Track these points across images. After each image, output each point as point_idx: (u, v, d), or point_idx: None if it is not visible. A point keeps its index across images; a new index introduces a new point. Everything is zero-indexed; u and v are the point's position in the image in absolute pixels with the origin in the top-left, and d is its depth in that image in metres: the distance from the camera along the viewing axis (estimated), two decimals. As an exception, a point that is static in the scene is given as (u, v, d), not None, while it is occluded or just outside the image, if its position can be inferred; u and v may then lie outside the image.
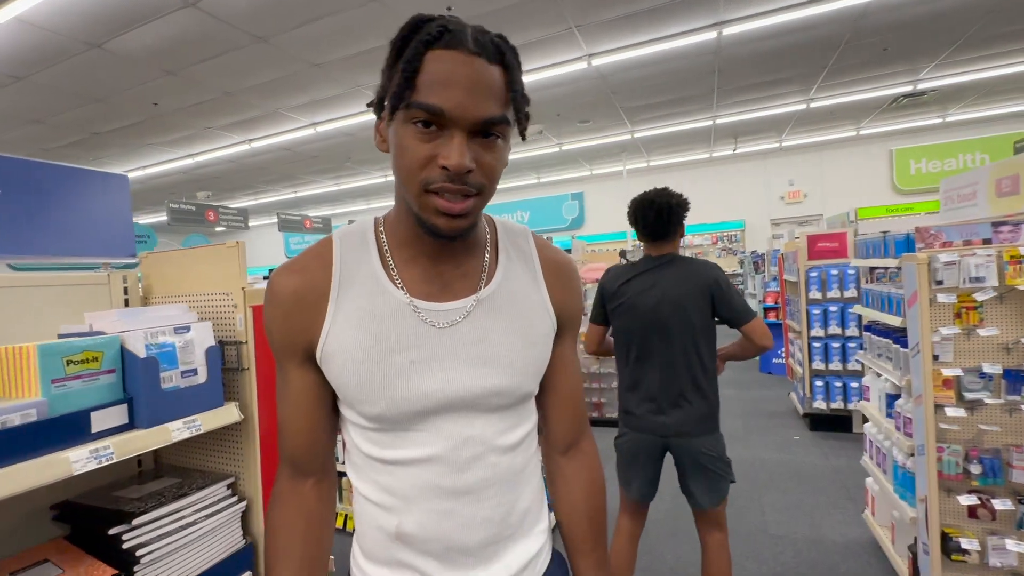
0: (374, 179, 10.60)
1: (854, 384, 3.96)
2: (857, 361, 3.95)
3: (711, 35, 4.88)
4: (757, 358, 6.71)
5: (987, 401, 1.75)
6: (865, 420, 3.95)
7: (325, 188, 11.16)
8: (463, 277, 0.67)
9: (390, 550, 0.66)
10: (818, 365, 4.08)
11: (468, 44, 0.56)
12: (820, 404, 4.09)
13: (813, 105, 7.49)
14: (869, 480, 2.59)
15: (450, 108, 0.55)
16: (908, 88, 7.00)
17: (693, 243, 11.20)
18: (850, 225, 4.49)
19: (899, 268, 2.60)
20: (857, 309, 2.55)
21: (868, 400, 2.53)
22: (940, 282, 1.79)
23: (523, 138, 0.64)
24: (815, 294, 4.05)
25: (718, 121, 8.03)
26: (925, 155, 9.81)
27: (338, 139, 7.56)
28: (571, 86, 6.09)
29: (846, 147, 10.20)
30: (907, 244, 1.96)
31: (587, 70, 5.57)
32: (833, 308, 3.98)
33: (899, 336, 2.09)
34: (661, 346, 1.78)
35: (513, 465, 0.68)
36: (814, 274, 4.04)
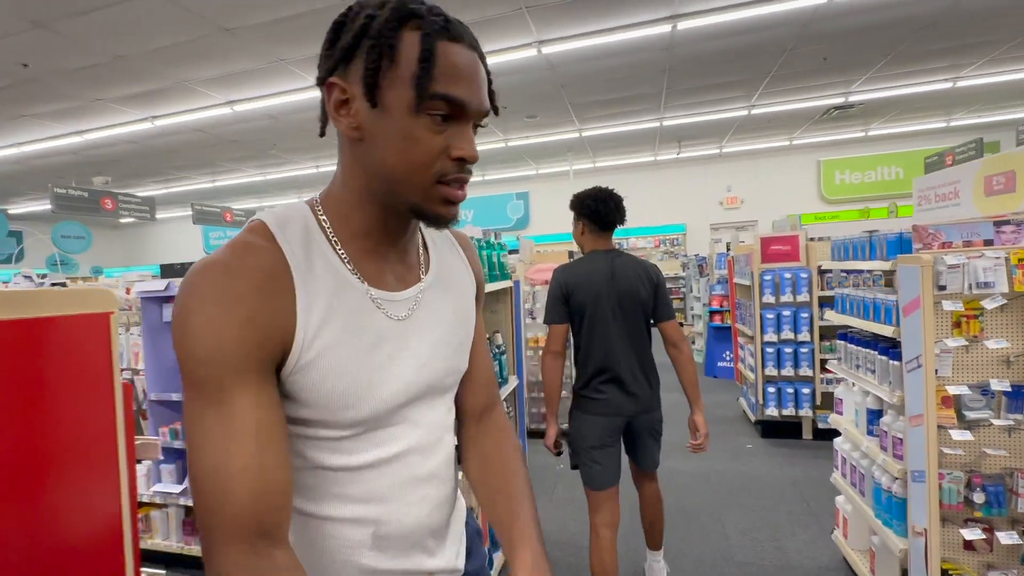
0: (304, 169, 9.76)
1: (805, 390, 3.89)
2: (809, 367, 3.87)
3: (665, 28, 4.71)
4: (702, 361, 6.69)
5: (994, 422, 1.55)
6: (815, 428, 3.89)
7: (249, 178, 10.17)
8: (410, 267, 0.67)
9: (363, 563, 0.62)
10: (771, 371, 3.98)
11: (466, 38, 0.56)
12: (772, 411, 3.99)
13: (754, 112, 7.63)
14: (840, 499, 2.41)
15: (470, 102, 0.56)
16: (840, 100, 7.28)
17: (637, 246, 11.24)
18: (801, 229, 4.45)
19: (863, 273, 2.45)
20: (830, 315, 2.37)
21: (841, 413, 2.34)
22: (943, 287, 1.59)
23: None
24: (768, 298, 3.94)
25: (664, 123, 8.02)
26: (848, 167, 10.41)
27: (260, 122, 6.79)
28: (519, 76, 5.76)
29: (779, 156, 10.63)
30: (900, 245, 1.76)
31: (537, 59, 5.25)
32: (786, 312, 3.89)
33: (886, 347, 1.90)
34: (619, 320, 1.91)
35: (451, 440, 0.71)
36: (768, 277, 3.93)
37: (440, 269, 0.70)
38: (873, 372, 2.00)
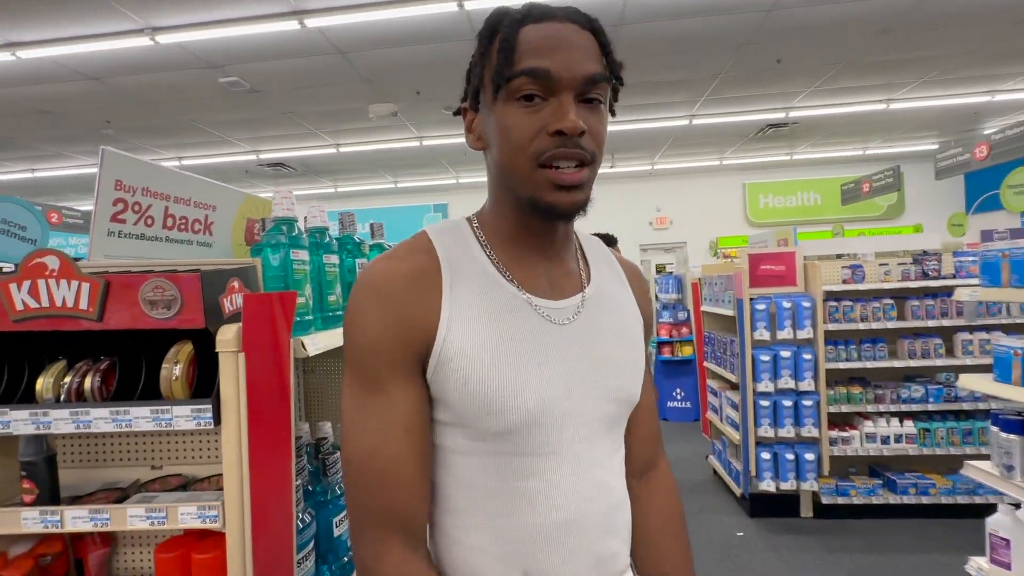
0: (162, 157, 7.73)
1: (809, 455, 2.94)
2: (815, 425, 2.92)
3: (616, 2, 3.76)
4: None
5: None
6: (816, 503, 2.84)
7: (84, 168, 7.89)
8: (568, 275, 0.66)
9: None
10: (765, 431, 3.00)
11: (558, 15, 0.57)
12: (768, 484, 2.99)
13: (695, 122, 7.05)
14: None
15: (556, 68, 0.55)
16: (781, 115, 6.90)
17: (565, 266, 10.36)
18: (797, 245, 3.60)
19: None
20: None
21: (1008, 566, 1.29)
22: None
23: (612, 113, 0.63)
24: (762, 334, 2.98)
25: (600, 130, 7.20)
26: (771, 191, 10.36)
27: (78, 83, 4.91)
28: (435, 47, 4.55)
29: (708, 176, 10.36)
30: None
31: (458, 17, 4.08)
32: (785, 353, 2.94)
33: None
34: None
35: (621, 491, 0.66)
36: (761, 307, 2.98)
37: (601, 285, 0.68)
38: None
